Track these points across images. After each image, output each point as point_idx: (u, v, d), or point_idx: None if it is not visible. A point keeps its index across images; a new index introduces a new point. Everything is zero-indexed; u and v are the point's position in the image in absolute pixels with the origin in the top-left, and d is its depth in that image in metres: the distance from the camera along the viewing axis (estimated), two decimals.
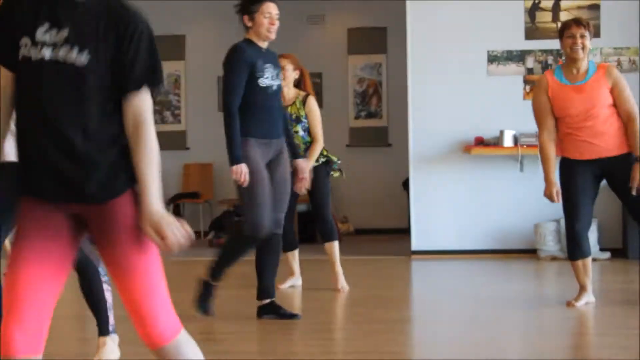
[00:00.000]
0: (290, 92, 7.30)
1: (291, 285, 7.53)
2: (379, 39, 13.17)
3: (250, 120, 5.85)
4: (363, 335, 5.57)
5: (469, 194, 9.76)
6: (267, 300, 6.14)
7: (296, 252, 7.52)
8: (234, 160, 5.81)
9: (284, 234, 7.30)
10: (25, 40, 2.64)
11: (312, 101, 7.30)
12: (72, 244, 2.69)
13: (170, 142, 13.62)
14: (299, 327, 5.91)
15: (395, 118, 12.89)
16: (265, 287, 6.16)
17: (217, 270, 6.25)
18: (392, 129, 13.07)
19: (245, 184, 5.79)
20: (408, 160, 10.00)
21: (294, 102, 7.27)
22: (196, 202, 13.19)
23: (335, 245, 7.38)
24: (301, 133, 7.23)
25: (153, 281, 2.67)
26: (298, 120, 7.23)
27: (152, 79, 2.72)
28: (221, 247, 6.37)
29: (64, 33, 2.63)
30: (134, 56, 2.66)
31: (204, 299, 6.22)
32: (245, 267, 6.90)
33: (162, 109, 13.70)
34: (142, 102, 2.69)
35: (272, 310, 6.11)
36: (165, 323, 2.69)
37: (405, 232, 10.75)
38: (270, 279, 6.16)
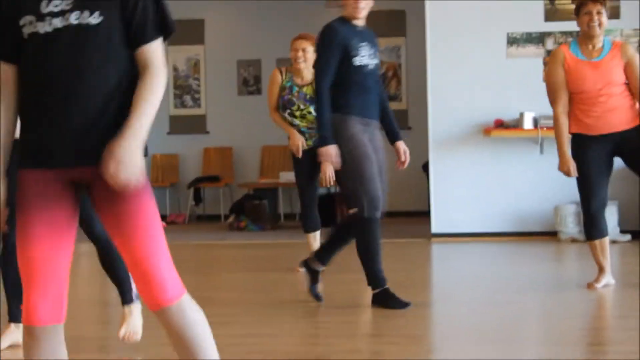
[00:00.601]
0: (309, 73, 7.31)
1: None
2: (398, 21, 13.14)
3: (349, 99, 5.70)
4: (383, 318, 5.57)
5: (489, 176, 9.73)
6: (381, 288, 5.86)
7: (318, 234, 7.48)
8: (323, 141, 5.65)
9: (308, 215, 7.33)
10: (27, 19, 2.67)
11: None
12: (74, 209, 2.72)
13: (190, 126, 13.66)
14: (319, 309, 5.91)
15: (415, 101, 12.89)
16: (378, 273, 5.89)
17: (326, 255, 6.05)
18: (412, 111, 13.05)
19: (337, 166, 5.66)
20: (427, 143, 9.98)
21: (311, 83, 7.27)
22: (216, 186, 13.22)
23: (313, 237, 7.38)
24: (314, 113, 7.23)
25: (155, 240, 2.66)
26: (312, 100, 7.23)
27: (164, 29, 2.76)
28: (334, 232, 6.12)
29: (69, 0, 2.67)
30: (142, 9, 2.70)
31: (313, 283, 6.02)
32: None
33: (182, 92, 13.72)
34: (153, 50, 2.72)
35: (387, 297, 5.81)
36: (170, 283, 2.66)
37: (425, 214, 10.73)
38: (380, 263, 5.94)
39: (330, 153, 5.64)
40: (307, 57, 7.27)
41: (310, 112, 7.21)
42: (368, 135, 5.81)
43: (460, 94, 9.80)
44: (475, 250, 8.94)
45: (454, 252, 8.97)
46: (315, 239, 7.44)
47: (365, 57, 5.76)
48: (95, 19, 2.65)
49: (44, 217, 2.64)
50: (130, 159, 2.55)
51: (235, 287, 6.95)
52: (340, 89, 5.68)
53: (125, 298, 4.77)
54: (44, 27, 2.65)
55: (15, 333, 4.74)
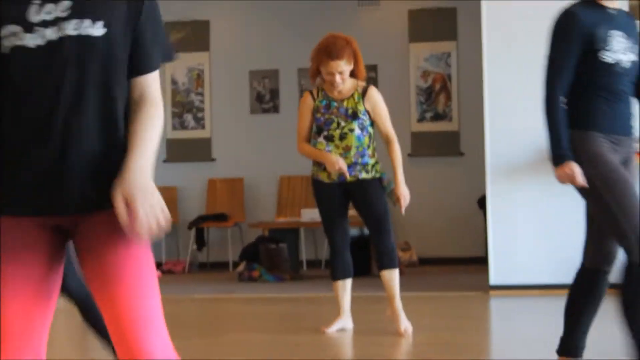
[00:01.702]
0: (347, 85, 7.35)
1: (340, 329, 7.54)
2: (447, 22, 13.17)
3: (592, 108, 5.13)
4: None
5: (561, 214, 9.68)
6: None
7: (349, 284, 7.50)
8: (559, 157, 5.05)
9: (339, 258, 7.37)
10: (10, 29, 2.67)
11: (374, 92, 7.38)
12: (57, 259, 2.78)
13: (192, 152, 13.73)
14: None
15: (468, 120, 12.88)
16: (575, 341, 5.38)
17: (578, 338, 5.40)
18: (465, 133, 13.05)
19: (581, 183, 5.01)
20: (484, 173, 9.96)
21: (352, 95, 7.31)
22: (223, 226, 13.27)
23: (396, 274, 7.39)
24: (357, 132, 7.27)
25: (146, 305, 2.70)
26: (355, 116, 7.26)
27: (167, 55, 2.86)
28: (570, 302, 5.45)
29: (65, 4, 2.69)
30: (153, 33, 2.78)
31: None
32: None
33: (181, 111, 13.81)
34: (154, 78, 2.82)
35: None
36: (158, 352, 2.70)
37: (482, 262, 10.70)
38: (586, 328, 5.40)
39: (572, 171, 5.01)
40: (344, 78, 7.32)
41: (352, 130, 7.25)
42: (619, 157, 5.15)
43: (525, 112, 9.77)
44: (543, 305, 8.88)
45: (517, 308, 8.94)
46: (345, 290, 7.47)
47: (618, 51, 5.14)
48: (97, 29, 2.68)
49: (23, 273, 2.71)
50: (144, 195, 2.62)
51: (248, 352, 6.96)
52: (580, 95, 5.17)
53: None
54: (34, 40, 2.67)
55: None
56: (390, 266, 7.40)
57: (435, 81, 13.26)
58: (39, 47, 2.66)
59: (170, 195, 13.67)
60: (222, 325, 8.59)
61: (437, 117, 13.25)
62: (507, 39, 9.87)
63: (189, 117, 13.84)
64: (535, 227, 9.71)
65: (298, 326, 7.64)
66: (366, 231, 11.08)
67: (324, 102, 7.37)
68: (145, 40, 2.76)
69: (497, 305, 9.15)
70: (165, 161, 13.75)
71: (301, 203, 12.83)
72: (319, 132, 7.35)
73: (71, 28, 2.67)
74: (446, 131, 13.21)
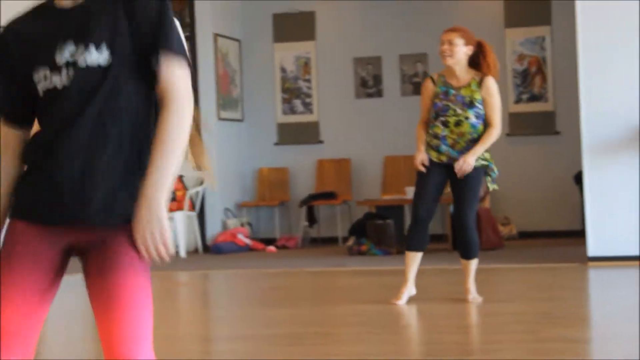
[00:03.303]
0: (462, 72, 7.30)
1: (409, 297, 7.52)
2: (542, 8, 13.04)
3: None
4: (529, 355, 5.52)
5: None
6: None
7: (419, 256, 7.49)
8: None
9: (420, 230, 7.35)
10: (42, 73, 2.70)
11: (490, 82, 7.30)
12: (59, 272, 2.79)
13: (301, 135, 13.79)
14: (457, 346, 5.91)
15: (564, 101, 12.76)
16: None
17: None
18: (560, 113, 12.92)
19: None
20: (580, 151, 9.85)
21: (469, 84, 7.27)
22: (332, 204, 13.31)
23: (471, 263, 7.38)
24: (472, 120, 7.22)
25: (138, 325, 2.70)
26: (471, 104, 7.23)
27: (170, 43, 2.69)
28: None
29: (79, 38, 2.67)
30: (156, 13, 2.67)
31: None
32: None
33: (290, 97, 13.87)
34: (171, 73, 2.66)
35: None
36: None
37: (579, 235, 10.60)
38: None
39: None
40: (454, 50, 7.25)
41: (467, 118, 7.20)
42: None
43: (619, 92, 9.64)
44: None
45: (615, 279, 8.82)
46: (414, 261, 7.44)
47: None
48: (104, 57, 2.65)
49: (25, 279, 2.72)
50: (152, 226, 2.61)
51: (359, 322, 6.98)
52: None
53: None
54: (61, 81, 2.67)
55: None
56: (465, 257, 7.42)
57: (530, 64, 13.13)
58: (64, 87, 2.66)
59: (282, 175, 13.77)
60: (334, 296, 8.64)
61: (533, 98, 13.12)
62: (600, 22, 9.72)
63: (297, 103, 13.90)
64: (631, 200, 9.58)
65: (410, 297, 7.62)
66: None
67: (443, 89, 7.32)
68: (148, 22, 2.65)
69: (595, 276, 9.04)
70: (276, 144, 13.84)
71: (405, 181, 12.79)
72: (436, 116, 7.31)
73: (82, 61, 2.65)
74: (542, 111, 13.08)
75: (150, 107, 2.71)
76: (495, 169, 7.44)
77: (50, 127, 2.69)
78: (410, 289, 7.52)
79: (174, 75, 2.66)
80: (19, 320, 2.72)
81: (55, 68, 2.67)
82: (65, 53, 2.68)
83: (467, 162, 7.15)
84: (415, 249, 7.45)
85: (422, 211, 7.39)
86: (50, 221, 2.71)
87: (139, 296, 2.70)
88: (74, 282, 3.74)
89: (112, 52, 2.65)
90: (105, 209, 2.65)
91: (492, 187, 7.50)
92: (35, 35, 2.73)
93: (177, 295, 9.02)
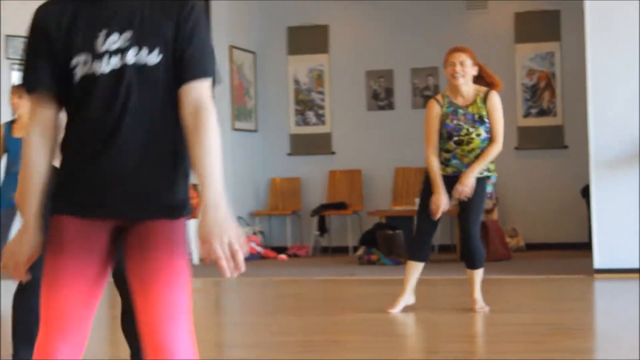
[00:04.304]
0: (470, 90, 7.26)
1: (404, 306, 7.47)
2: (551, 24, 12.99)
3: None
4: None
5: None
6: None
7: (421, 266, 7.44)
8: None
9: (424, 242, 7.31)
10: (81, 58, 2.71)
11: (494, 96, 7.25)
12: (109, 259, 2.82)
13: (313, 145, 13.77)
14: (463, 355, 5.86)
15: (572, 115, 12.71)
16: None
17: None
18: (568, 128, 12.88)
19: None
20: (587, 164, 9.80)
21: (475, 101, 7.23)
22: (344, 214, 13.28)
23: (476, 273, 7.33)
24: (483, 135, 7.18)
25: (175, 305, 2.71)
26: (481, 120, 7.19)
27: (212, 68, 2.78)
28: None
29: (127, 34, 2.71)
30: (194, 41, 2.74)
31: None
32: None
33: (303, 108, 13.85)
34: (203, 90, 2.74)
35: None
36: (180, 349, 2.69)
37: (586, 247, 10.54)
38: None
39: None
40: (465, 71, 7.21)
41: (479, 135, 7.16)
42: None
43: (627, 107, 9.59)
44: None
45: (621, 291, 8.76)
46: (415, 271, 7.41)
47: None
48: (153, 58, 2.70)
49: (79, 265, 2.75)
50: (225, 230, 2.61)
51: (367, 330, 6.94)
52: None
53: (19, 358, 4.97)
54: (100, 68, 2.69)
55: None
56: (470, 267, 7.38)
57: (540, 79, 13.08)
58: (103, 75, 2.69)
59: (294, 185, 13.74)
60: (343, 305, 8.59)
61: (542, 112, 13.07)
62: (609, 39, 9.68)
63: (310, 114, 13.87)
64: (637, 214, 9.52)
65: (415, 306, 7.58)
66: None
67: (450, 109, 7.27)
68: (191, 47, 2.73)
69: (601, 288, 8.98)
70: (289, 154, 13.82)
71: (415, 192, 12.70)
72: (449, 137, 7.24)
73: (131, 58, 2.69)
74: (551, 125, 13.03)
75: (175, 110, 2.75)
76: (494, 175, 7.40)
77: (91, 117, 2.71)
78: (407, 298, 7.47)
79: (205, 89, 2.74)
80: (74, 304, 2.74)
81: (96, 56, 2.70)
82: (108, 43, 2.70)
83: (467, 186, 7.11)
84: (418, 259, 7.42)
85: (425, 223, 7.34)
86: (99, 216, 2.74)
87: (177, 280, 2.71)
88: None
89: (160, 56, 2.70)
90: (152, 204, 2.71)
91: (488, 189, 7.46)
92: (74, 20, 2.74)
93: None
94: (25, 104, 6.52)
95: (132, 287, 2.75)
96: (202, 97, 2.71)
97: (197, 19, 2.76)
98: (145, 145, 2.70)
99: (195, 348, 2.75)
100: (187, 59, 2.72)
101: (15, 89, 7.85)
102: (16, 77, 11.90)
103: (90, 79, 2.70)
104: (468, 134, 7.19)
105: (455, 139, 7.22)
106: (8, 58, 12.19)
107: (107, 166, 2.71)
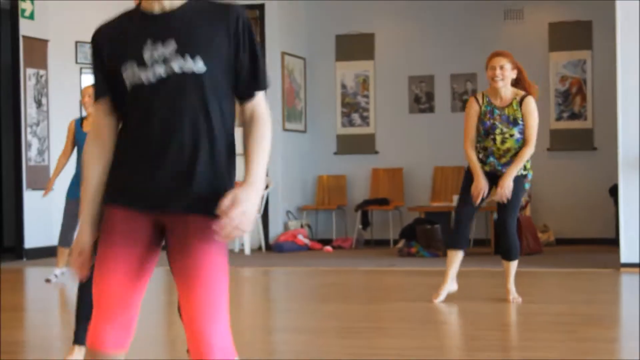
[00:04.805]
0: (508, 93, 7.18)
1: (447, 294, 7.39)
2: (584, 33, 12.84)
3: None
4: (566, 353, 5.38)
5: None
6: None
7: (461, 254, 7.36)
8: None
9: (462, 230, 7.24)
10: (129, 66, 2.72)
11: (530, 101, 7.15)
12: (156, 250, 2.83)
13: (358, 145, 13.73)
14: (498, 342, 5.78)
15: (601, 119, 12.59)
16: None
17: None
18: (598, 131, 12.73)
19: None
20: (615, 165, 9.70)
21: (511, 103, 7.15)
22: (385, 209, 13.21)
23: (511, 265, 7.24)
24: (517, 136, 7.11)
25: (214, 298, 2.71)
26: (515, 122, 7.11)
27: (266, 81, 2.81)
28: None
29: (172, 44, 2.70)
30: (252, 59, 2.77)
31: None
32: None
33: (349, 111, 13.82)
34: (260, 101, 2.80)
35: None
36: (217, 347, 2.71)
37: (613, 242, 10.40)
38: None
39: None
40: (505, 75, 7.13)
41: (512, 135, 7.09)
42: None
43: None
44: None
45: None
46: (455, 259, 7.33)
47: None
48: (199, 66, 2.69)
49: (125, 254, 2.76)
50: (251, 210, 2.63)
51: (406, 317, 6.88)
52: None
53: (79, 338, 5.02)
54: (147, 77, 2.70)
55: (77, 355, 5.05)
56: (506, 259, 7.31)
57: (572, 85, 12.94)
58: (151, 84, 2.70)
59: (340, 182, 13.69)
60: (384, 294, 8.53)
61: (573, 116, 12.93)
62: (638, 47, 9.54)
63: (355, 116, 13.82)
64: None
65: (452, 296, 7.50)
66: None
67: (488, 108, 7.20)
68: (244, 69, 2.75)
69: (628, 281, 8.85)
70: (335, 153, 13.78)
71: (453, 190, 12.67)
72: (487, 134, 7.18)
73: (177, 66, 2.68)
74: (581, 129, 12.89)
75: (228, 117, 2.78)
76: (530, 173, 7.32)
77: (142, 121, 2.73)
78: (450, 285, 7.40)
79: (261, 102, 2.80)
80: (120, 290, 2.76)
81: (143, 65, 2.70)
82: (154, 53, 2.70)
83: (507, 188, 7.04)
84: (455, 247, 7.35)
85: (464, 213, 7.28)
86: (147, 209, 2.76)
87: (216, 276, 2.71)
88: None
89: (206, 64, 2.69)
90: (191, 199, 2.71)
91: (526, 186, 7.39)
92: (124, 34, 2.77)
93: (241, 290, 8.96)
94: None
95: (176, 283, 2.77)
96: (257, 107, 2.78)
97: (249, 31, 2.76)
98: (188, 147, 2.70)
99: (232, 340, 2.75)
100: (246, 75, 2.76)
101: (86, 90, 7.98)
102: (86, 79, 11.95)
103: (139, 87, 2.71)
104: (502, 133, 7.11)
105: (492, 136, 7.15)
106: (77, 62, 12.25)
107: (153, 164, 2.71)
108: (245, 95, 2.77)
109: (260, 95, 2.79)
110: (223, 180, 2.74)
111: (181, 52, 2.68)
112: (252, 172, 2.69)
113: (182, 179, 2.70)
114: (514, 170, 7.09)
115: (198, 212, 2.71)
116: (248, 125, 2.76)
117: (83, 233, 2.84)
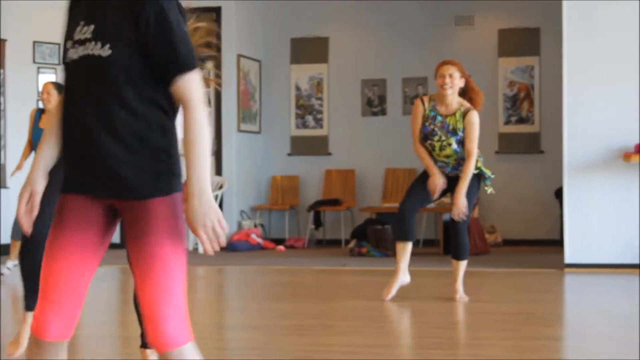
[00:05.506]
0: (454, 102, 7.22)
1: (399, 286, 7.44)
2: (532, 40, 12.97)
3: None
4: (511, 351, 5.45)
5: (628, 204, 9.47)
6: None
7: (409, 246, 7.40)
8: None
9: (406, 221, 7.27)
10: (68, 44, 2.76)
11: (474, 115, 7.19)
12: (106, 235, 2.80)
13: (312, 147, 13.76)
14: (446, 340, 5.84)
15: (548, 123, 12.71)
16: None
17: None
18: (545, 135, 12.86)
19: None
20: (561, 168, 9.80)
21: (454, 113, 7.20)
22: (337, 210, 13.25)
23: (460, 264, 7.31)
24: (454, 146, 7.16)
25: (170, 285, 2.69)
26: (454, 132, 7.16)
27: (190, 60, 2.68)
28: None
29: (91, 28, 2.70)
30: (159, 41, 2.65)
31: None
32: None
33: (303, 113, 13.83)
34: (187, 85, 2.66)
35: None
36: (174, 329, 2.69)
37: (558, 243, 10.53)
38: None
39: None
40: (454, 83, 7.17)
41: (450, 145, 7.14)
42: None
43: (598, 117, 9.58)
44: (613, 283, 8.69)
45: (589, 285, 8.75)
46: (404, 251, 7.36)
47: None
48: (105, 51, 2.65)
49: (75, 236, 2.74)
50: (213, 216, 2.60)
51: (358, 316, 6.92)
52: None
53: (29, 305, 5.04)
54: (71, 57, 2.72)
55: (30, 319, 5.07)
56: (457, 258, 7.38)
57: (520, 90, 13.07)
58: (73, 61, 2.72)
59: (293, 183, 13.71)
60: (336, 293, 8.57)
61: (521, 120, 13.06)
62: (584, 55, 9.67)
63: (309, 118, 13.85)
64: (605, 214, 9.52)
65: (400, 295, 7.56)
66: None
67: (432, 113, 7.25)
68: (158, 53, 2.65)
69: (571, 281, 8.96)
70: (289, 154, 13.79)
71: (403, 191, 12.64)
72: (425, 139, 7.25)
73: (89, 49, 2.68)
74: (528, 132, 13.02)
75: (153, 101, 2.68)
76: (488, 172, 7.38)
77: (67, 102, 2.73)
78: (402, 277, 7.43)
79: (189, 85, 2.66)
80: (68, 276, 2.73)
81: (72, 46, 2.73)
82: (80, 35, 2.71)
83: (461, 206, 7.09)
84: (402, 239, 7.37)
85: (408, 205, 7.31)
86: (87, 194, 2.73)
87: (172, 263, 2.69)
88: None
89: (112, 48, 2.65)
90: (125, 185, 2.66)
91: (489, 190, 7.47)
92: (74, 13, 2.80)
93: (195, 288, 8.95)
94: (52, 99, 6.57)
95: (132, 270, 2.75)
96: (185, 92, 2.65)
97: (163, 15, 2.65)
98: (108, 131, 2.64)
99: (190, 328, 2.73)
100: (160, 59, 2.65)
101: (45, 86, 7.98)
102: (43, 79, 11.86)
103: (67, 66, 2.74)
104: (440, 140, 7.18)
105: (429, 142, 7.22)
106: (35, 62, 12.16)
107: (82, 149, 2.69)
108: (166, 79, 2.66)
109: (186, 78, 2.65)
110: (162, 161, 2.68)
111: (94, 36, 2.67)
112: (194, 180, 2.62)
113: (113, 164, 2.65)
114: (463, 188, 7.13)
115: (142, 196, 2.67)
116: (183, 112, 2.68)
117: (34, 172, 2.80)
